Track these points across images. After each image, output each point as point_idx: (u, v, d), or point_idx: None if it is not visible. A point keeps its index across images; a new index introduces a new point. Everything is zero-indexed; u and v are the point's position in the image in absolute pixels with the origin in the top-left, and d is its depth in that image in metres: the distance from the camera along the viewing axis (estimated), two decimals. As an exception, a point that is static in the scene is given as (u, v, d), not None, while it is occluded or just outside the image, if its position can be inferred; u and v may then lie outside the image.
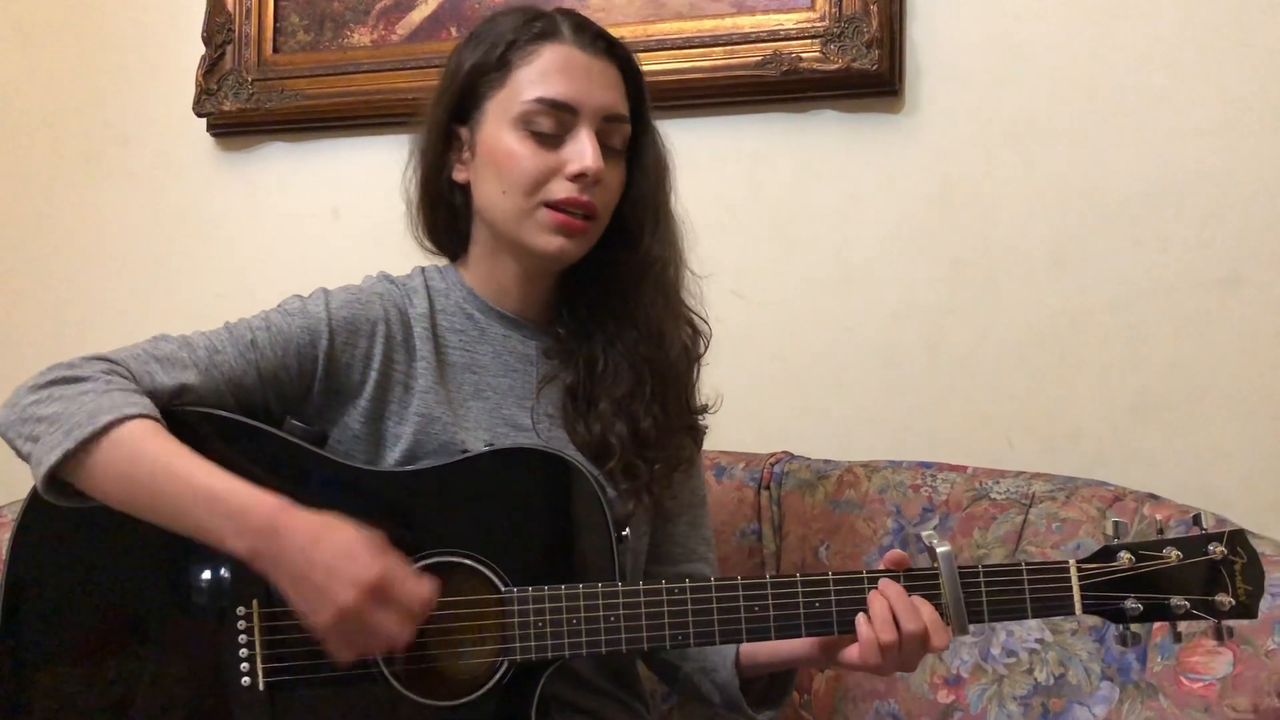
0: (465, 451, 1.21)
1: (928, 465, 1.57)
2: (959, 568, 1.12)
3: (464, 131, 1.28)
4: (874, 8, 1.72)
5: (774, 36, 1.77)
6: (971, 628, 1.14)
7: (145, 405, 1.12)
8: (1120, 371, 1.65)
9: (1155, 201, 1.64)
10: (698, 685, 1.33)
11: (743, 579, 1.14)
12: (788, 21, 1.78)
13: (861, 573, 1.14)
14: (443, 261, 1.37)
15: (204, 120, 2.08)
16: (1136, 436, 1.64)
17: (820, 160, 1.79)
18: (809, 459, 1.65)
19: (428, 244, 1.36)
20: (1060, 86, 1.69)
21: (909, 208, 1.75)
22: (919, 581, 1.13)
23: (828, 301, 1.79)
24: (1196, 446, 1.61)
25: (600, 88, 1.24)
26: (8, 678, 1.15)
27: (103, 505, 1.10)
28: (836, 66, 1.74)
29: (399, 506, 1.19)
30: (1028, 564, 1.14)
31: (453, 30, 1.95)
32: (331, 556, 1.05)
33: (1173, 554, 1.12)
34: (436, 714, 1.13)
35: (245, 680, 1.12)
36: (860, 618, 1.12)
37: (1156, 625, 1.15)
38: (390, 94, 1.94)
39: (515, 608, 1.13)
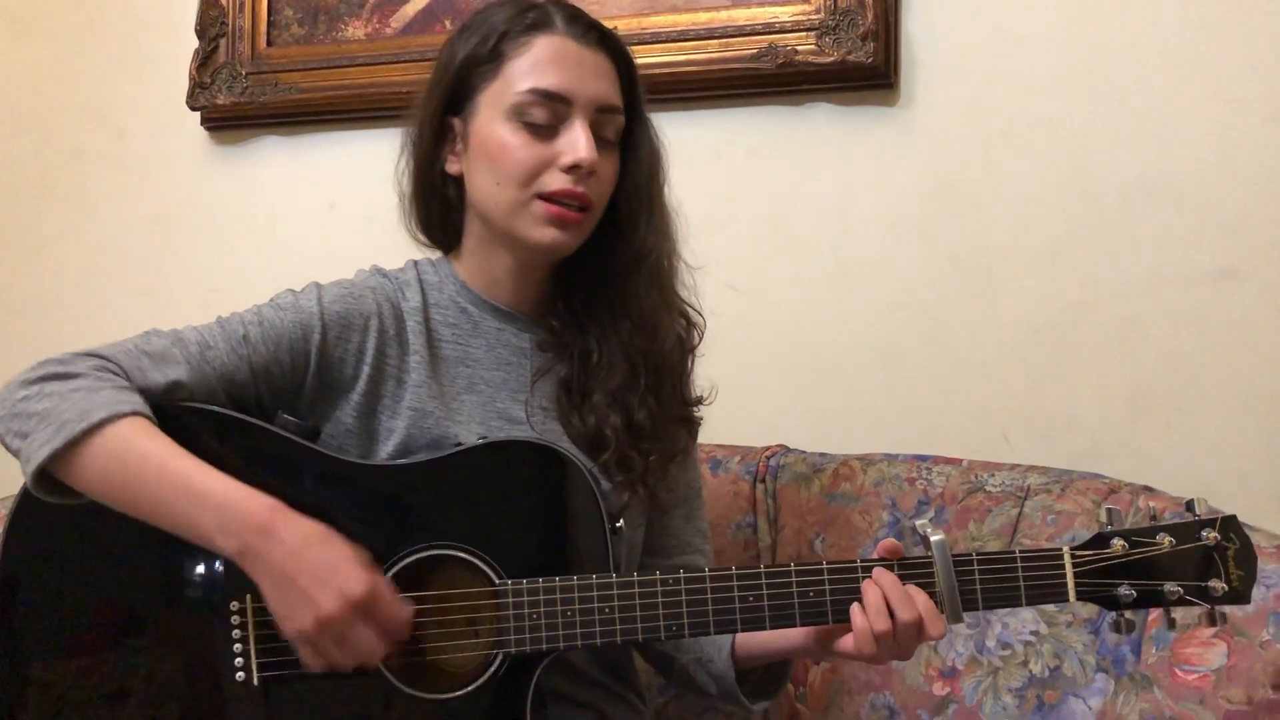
0: (459, 445, 1.21)
1: (923, 458, 1.57)
2: (953, 556, 1.12)
3: (457, 123, 1.28)
4: (869, 0, 1.72)
5: (769, 29, 1.77)
6: (966, 616, 1.13)
7: (136, 403, 1.11)
8: (1116, 365, 1.65)
9: (1152, 195, 1.64)
10: (693, 676, 1.33)
11: (737, 569, 1.14)
12: (783, 14, 1.77)
13: (856, 562, 1.14)
14: (436, 254, 1.36)
15: (198, 114, 2.08)
16: (1132, 430, 1.64)
17: (816, 153, 1.79)
18: (804, 452, 1.65)
19: (421, 237, 1.36)
20: (1056, 80, 1.69)
21: (904, 201, 1.75)
22: (913, 570, 1.13)
23: (823, 294, 1.78)
24: (1192, 440, 1.62)
25: (593, 78, 1.24)
26: (1, 674, 1.14)
27: (94, 502, 1.10)
28: (832, 59, 1.73)
29: (392, 500, 1.19)
30: (1022, 551, 1.13)
31: (447, 23, 1.95)
32: (321, 564, 1.05)
33: (1166, 540, 1.12)
34: (431, 707, 1.13)
35: (239, 675, 1.12)
36: (855, 607, 1.12)
37: (1151, 614, 1.15)
38: (384, 87, 1.94)
39: (510, 600, 1.13)
